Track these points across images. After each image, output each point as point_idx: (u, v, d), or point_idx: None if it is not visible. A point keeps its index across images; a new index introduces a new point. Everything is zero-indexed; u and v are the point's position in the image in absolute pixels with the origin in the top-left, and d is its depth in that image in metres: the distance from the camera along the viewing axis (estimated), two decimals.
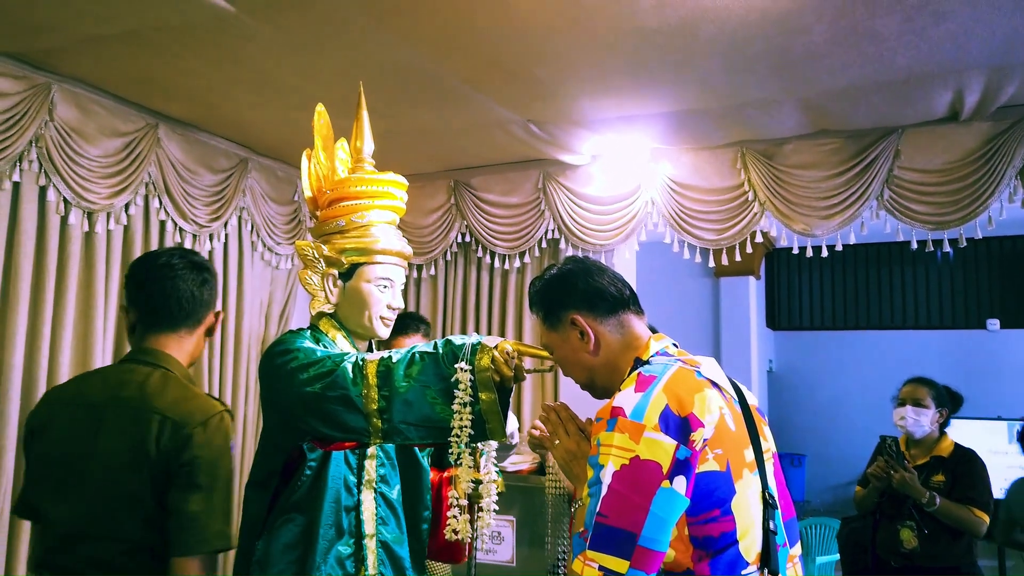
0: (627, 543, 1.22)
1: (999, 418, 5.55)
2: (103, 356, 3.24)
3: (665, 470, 1.24)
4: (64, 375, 3.07)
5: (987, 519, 2.97)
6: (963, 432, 5.16)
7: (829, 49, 2.65)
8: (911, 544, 2.99)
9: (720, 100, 3.20)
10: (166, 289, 1.71)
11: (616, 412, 1.29)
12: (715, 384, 1.38)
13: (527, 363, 1.69)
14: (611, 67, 2.89)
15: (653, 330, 1.54)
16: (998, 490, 4.84)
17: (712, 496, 1.27)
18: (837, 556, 5.26)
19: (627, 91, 3.14)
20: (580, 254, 4.12)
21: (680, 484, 1.24)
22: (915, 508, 3.00)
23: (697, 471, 1.26)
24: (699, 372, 1.38)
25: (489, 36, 2.65)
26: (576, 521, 1.35)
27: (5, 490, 2.87)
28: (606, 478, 1.25)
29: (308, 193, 2.10)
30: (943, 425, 3.18)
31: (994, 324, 7.43)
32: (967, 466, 3.06)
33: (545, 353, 1.62)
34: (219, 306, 1.74)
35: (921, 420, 3.10)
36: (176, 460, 1.57)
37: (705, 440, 1.27)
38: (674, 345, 1.50)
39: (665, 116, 3.44)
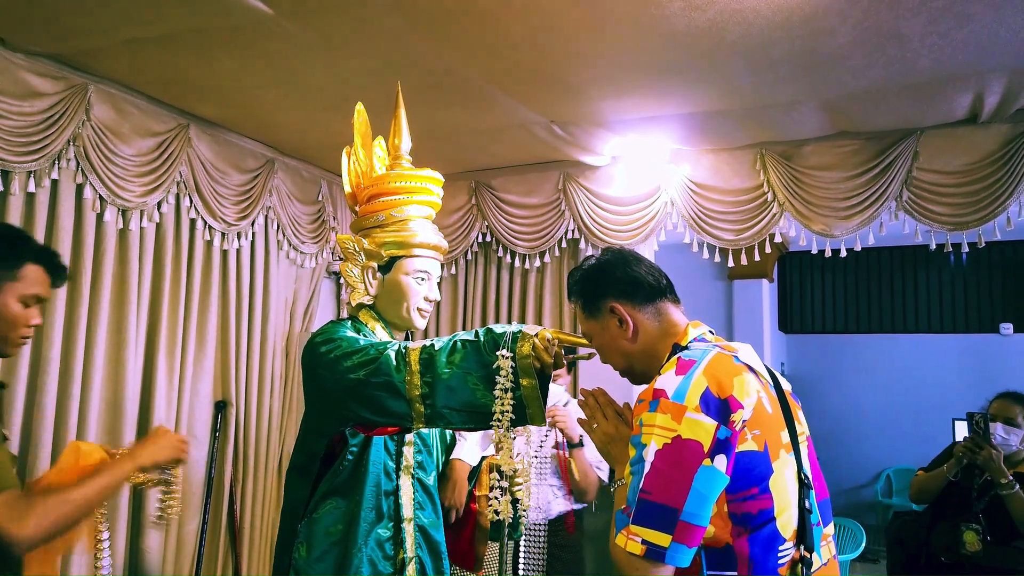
0: (670, 518, 1.27)
1: None
2: (136, 350, 3.31)
3: (706, 449, 1.29)
4: (99, 369, 3.14)
5: None
6: None
7: (853, 51, 2.70)
8: (974, 547, 2.88)
9: (743, 101, 3.25)
10: None
11: (658, 394, 1.34)
12: (751, 369, 1.43)
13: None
14: (637, 69, 2.94)
15: None
16: None
17: (751, 474, 1.33)
18: (851, 556, 5.30)
19: (651, 92, 3.19)
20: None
21: (721, 462, 1.29)
22: (983, 512, 2.91)
23: (737, 450, 1.31)
24: (736, 357, 1.43)
25: (518, 38, 2.71)
26: (617, 499, 1.40)
27: None
28: (649, 456, 1.30)
29: (348, 189, 2.17)
30: None
31: (1007, 328, 7.44)
32: None
33: (584, 341, 1.68)
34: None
35: (1011, 440, 2.94)
36: None
37: (744, 421, 1.32)
38: (710, 332, 1.55)
39: (686, 117, 3.49)
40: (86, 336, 3.12)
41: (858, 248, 3.70)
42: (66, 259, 3.05)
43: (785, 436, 1.41)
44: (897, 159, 3.50)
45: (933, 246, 3.64)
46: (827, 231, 3.63)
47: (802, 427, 1.50)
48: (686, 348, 1.47)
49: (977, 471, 2.96)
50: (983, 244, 3.50)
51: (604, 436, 1.57)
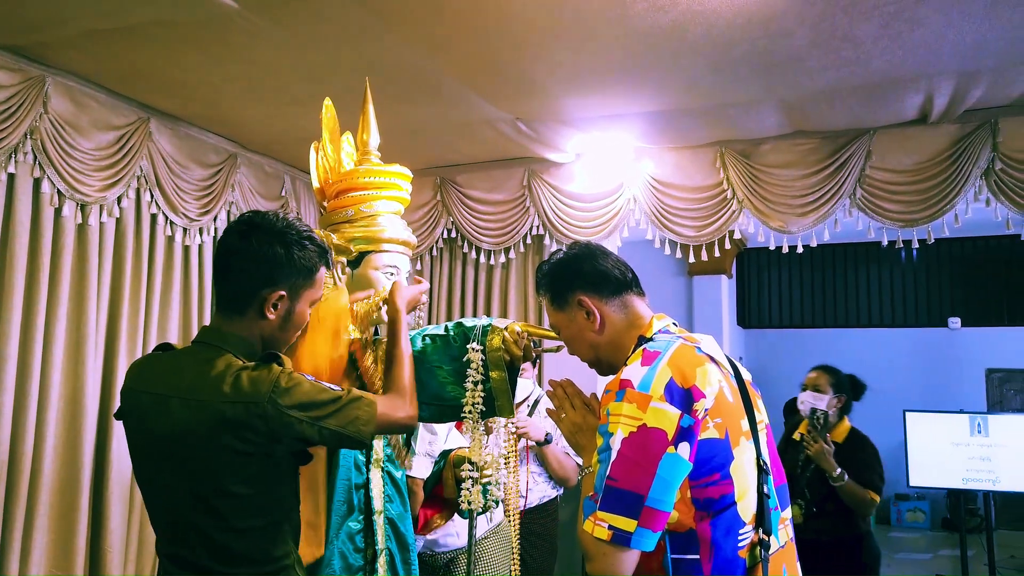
0: (635, 504, 1.31)
1: (961, 411, 5.78)
2: (96, 347, 3.26)
3: (670, 437, 1.33)
4: (58, 366, 3.09)
5: (878, 500, 3.23)
6: (926, 425, 5.37)
7: (810, 52, 2.78)
8: (797, 520, 3.16)
9: (704, 100, 3.33)
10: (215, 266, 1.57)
11: (624, 384, 1.38)
12: (713, 359, 1.48)
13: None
14: (601, 67, 2.99)
15: None
16: (960, 481, 5.05)
17: (712, 461, 1.37)
18: None
19: (614, 90, 3.25)
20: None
21: (684, 450, 1.33)
22: (807, 487, 3.21)
23: (699, 438, 1.35)
24: (699, 348, 1.48)
25: (483, 35, 2.74)
26: (584, 486, 1.44)
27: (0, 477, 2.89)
28: (616, 444, 1.34)
29: (316, 184, 2.17)
30: (842, 411, 3.37)
31: (955, 322, 7.70)
32: (862, 452, 3.29)
33: (552, 333, 1.71)
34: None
35: (818, 405, 3.30)
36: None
37: (706, 410, 1.37)
38: (674, 324, 1.59)
39: (649, 115, 3.55)
40: (44, 333, 3.06)
41: (814, 244, 3.81)
42: (23, 255, 3.00)
43: (745, 424, 1.46)
44: (851, 158, 3.61)
45: (885, 242, 3.77)
46: (784, 227, 3.72)
47: (761, 415, 1.55)
48: (651, 340, 1.51)
49: (802, 447, 3.25)
50: (932, 241, 3.63)
51: (572, 425, 1.60)
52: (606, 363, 1.61)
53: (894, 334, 7.86)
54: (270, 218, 1.54)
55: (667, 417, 1.33)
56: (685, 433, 1.33)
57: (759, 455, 1.46)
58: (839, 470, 3.14)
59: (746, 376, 1.59)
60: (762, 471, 1.45)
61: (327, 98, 2.20)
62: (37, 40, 2.84)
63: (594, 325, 1.57)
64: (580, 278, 1.59)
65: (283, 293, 1.49)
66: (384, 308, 1.83)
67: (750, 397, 1.53)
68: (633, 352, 1.49)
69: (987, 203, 3.50)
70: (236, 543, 1.45)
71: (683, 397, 1.35)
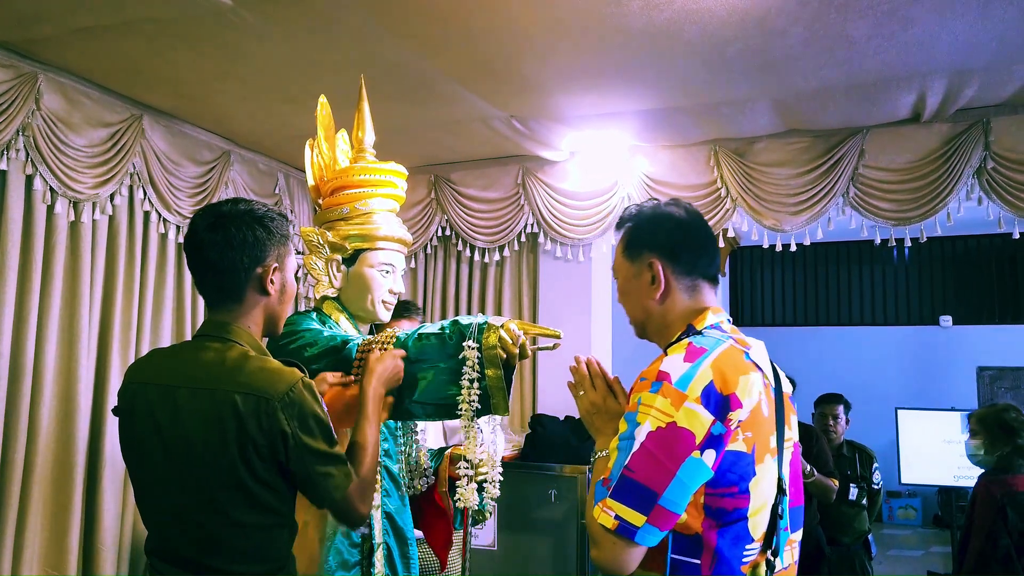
0: (648, 500, 1.27)
1: (952, 409, 5.81)
2: (89, 345, 3.25)
3: (698, 441, 1.28)
4: (50, 364, 3.08)
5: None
6: (917, 422, 5.40)
7: (804, 51, 2.79)
8: None
9: (698, 99, 3.33)
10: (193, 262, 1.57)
11: (662, 376, 1.33)
12: (759, 367, 1.40)
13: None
14: (596, 66, 2.99)
15: None
16: (951, 478, 5.09)
17: (734, 474, 1.32)
18: None
19: (609, 89, 3.25)
20: (559, 247, 4.23)
21: (709, 457, 1.29)
22: None
23: (726, 448, 1.30)
24: (747, 354, 1.40)
25: (478, 33, 2.73)
26: (596, 470, 1.39)
27: None
28: (640, 435, 1.29)
29: (311, 182, 2.17)
30: None
31: (947, 320, 7.74)
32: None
33: (550, 331, 1.70)
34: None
35: None
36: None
37: (740, 421, 1.31)
38: (728, 320, 1.51)
39: (643, 114, 3.56)
40: (36, 331, 3.04)
41: (807, 243, 3.82)
42: (15, 252, 2.99)
43: (773, 441, 1.40)
44: (844, 156, 3.62)
45: (878, 241, 3.79)
46: (777, 226, 3.73)
47: (791, 432, 1.49)
48: (699, 334, 1.43)
49: None
50: (925, 239, 3.64)
51: (591, 406, 1.53)
52: (651, 332, 1.53)
53: (886, 332, 7.89)
54: (228, 206, 1.56)
55: (699, 420, 1.28)
56: (714, 440, 1.29)
57: (780, 475, 1.40)
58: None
59: (786, 389, 1.50)
60: (780, 491, 1.40)
61: (322, 95, 2.19)
62: (29, 36, 2.82)
63: (655, 293, 1.48)
64: (661, 240, 1.49)
65: (275, 265, 1.55)
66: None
67: (784, 412, 1.46)
68: (678, 340, 1.43)
69: (979, 202, 3.52)
70: (235, 540, 1.44)
71: (720, 403, 1.30)
